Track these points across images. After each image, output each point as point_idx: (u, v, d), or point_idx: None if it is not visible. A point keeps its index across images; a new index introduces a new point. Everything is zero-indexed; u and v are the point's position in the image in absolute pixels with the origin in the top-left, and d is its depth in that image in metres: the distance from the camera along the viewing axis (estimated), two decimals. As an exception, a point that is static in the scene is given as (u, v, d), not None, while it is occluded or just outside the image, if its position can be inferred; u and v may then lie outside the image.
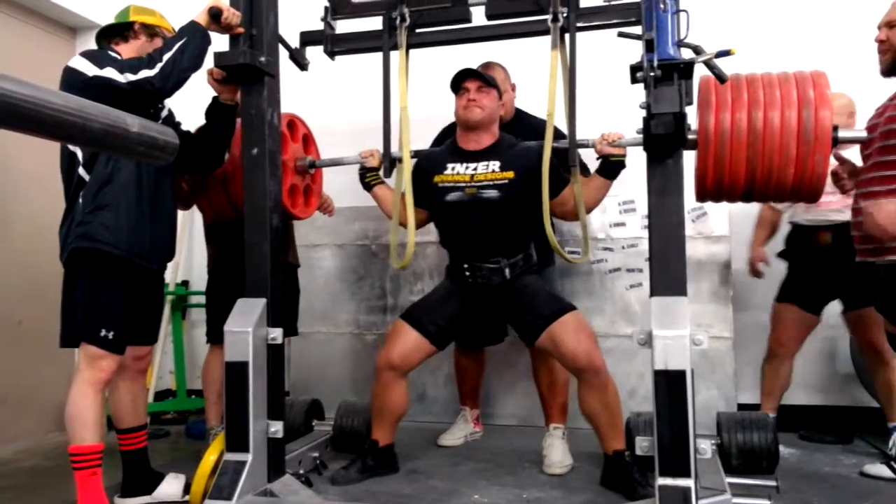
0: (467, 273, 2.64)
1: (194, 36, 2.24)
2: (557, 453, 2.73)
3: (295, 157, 2.75)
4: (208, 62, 2.34)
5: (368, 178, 2.75)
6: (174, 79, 2.21)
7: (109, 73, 2.18)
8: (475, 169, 2.61)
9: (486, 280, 2.62)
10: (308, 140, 2.91)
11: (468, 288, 2.66)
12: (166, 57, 2.19)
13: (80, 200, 2.24)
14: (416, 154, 2.70)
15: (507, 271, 2.60)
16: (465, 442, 3.20)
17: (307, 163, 2.79)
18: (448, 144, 2.75)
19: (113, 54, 2.31)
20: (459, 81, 2.64)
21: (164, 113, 2.51)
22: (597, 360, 2.45)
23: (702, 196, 2.31)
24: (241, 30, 2.29)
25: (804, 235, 3.18)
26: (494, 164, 2.59)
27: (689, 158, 2.19)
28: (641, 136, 2.12)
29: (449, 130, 2.98)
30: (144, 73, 2.18)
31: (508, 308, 2.64)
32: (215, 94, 2.50)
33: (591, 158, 2.61)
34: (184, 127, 2.59)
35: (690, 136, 2.14)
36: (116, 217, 2.24)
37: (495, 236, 2.60)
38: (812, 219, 3.13)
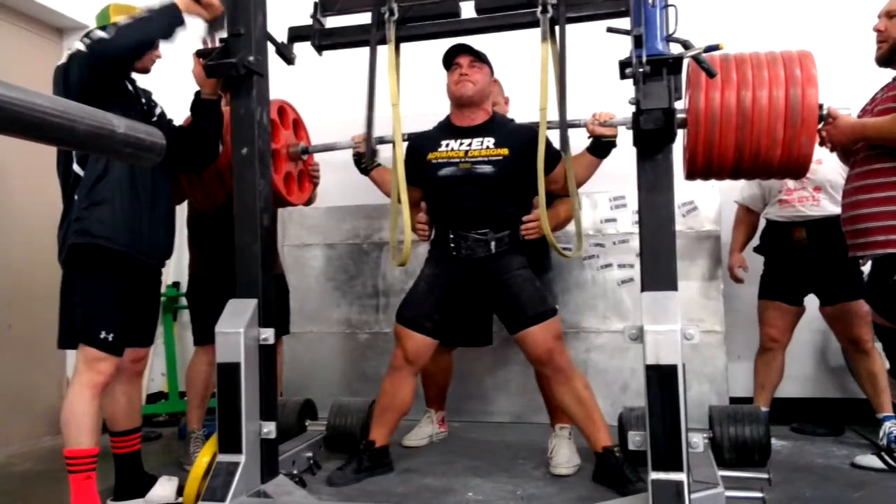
0: (452, 245, 2.62)
1: (164, 10, 2.22)
2: (564, 454, 2.72)
3: (287, 143, 2.75)
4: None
5: (364, 162, 2.76)
6: (128, 39, 2.16)
7: (76, 45, 2.20)
8: (469, 145, 2.61)
9: (471, 252, 2.59)
10: (298, 125, 2.92)
11: (451, 267, 2.63)
12: (127, 22, 2.18)
13: (76, 197, 2.23)
14: (410, 136, 2.70)
15: (492, 244, 2.58)
16: (431, 441, 3.19)
17: (300, 149, 2.80)
18: (442, 123, 2.76)
19: None
20: (451, 57, 2.64)
21: (158, 111, 2.52)
22: (557, 358, 2.51)
23: (691, 174, 2.32)
24: (220, 8, 2.29)
25: (779, 231, 3.21)
26: (489, 141, 2.60)
27: (677, 148, 2.19)
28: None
29: None
30: (99, 35, 2.17)
31: (495, 296, 2.62)
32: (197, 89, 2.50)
33: (581, 138, 2.59)
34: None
35: (680, 115, 2.16)
36: (113, 212, 2.22)
37: (486, 209, 2.59)
38: (786, 215, 3.17)
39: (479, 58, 2.63)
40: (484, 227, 2.59)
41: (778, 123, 2.10)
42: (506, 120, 2.73)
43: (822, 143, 2.53)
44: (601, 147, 2.49)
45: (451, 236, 2.62)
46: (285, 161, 2.73)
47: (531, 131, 2.48)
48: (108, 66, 2.21)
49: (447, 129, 2.70)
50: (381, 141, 2.69)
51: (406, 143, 2.68)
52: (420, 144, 2.70)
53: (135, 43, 2.19)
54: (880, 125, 2.39)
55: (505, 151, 2.56)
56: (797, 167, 2.20)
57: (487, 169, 2.56)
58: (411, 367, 2.62)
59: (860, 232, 2.45)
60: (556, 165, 2.56)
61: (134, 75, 2.44)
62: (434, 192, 2.69)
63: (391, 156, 2.61)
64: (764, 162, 2.17)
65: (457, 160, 2.60)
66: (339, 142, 2.77)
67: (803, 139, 2.12)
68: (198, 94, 2.50)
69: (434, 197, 2.70)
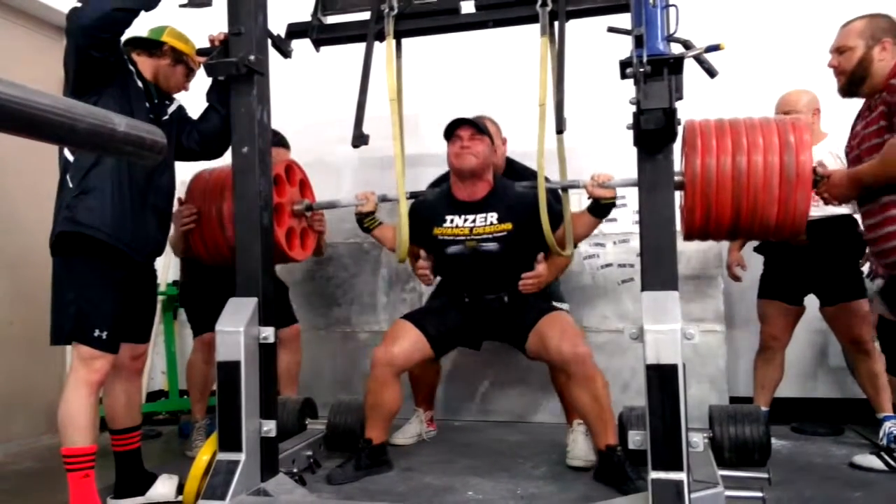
0: (467, 300, 2.75)
1: None
2: (581, 448, 2.75)
3: (292, 200, 2.78)
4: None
5: (366, 223, 2.81)
6: (100, 6, 2.09)
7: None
8: (473, 221, 2.67)
9: (486, 307, 2.74)
10: (304, 185, 2.94)
11: (466, 308, 2.76)
12: None
13: (71, 185, 2.23)
14: (413, 196, 2.74)
15: (505, 298, 2.71)
16: (420, 440, 3.19)
17: (304, 206, 2.82)
18: (444, 191, 2.79)
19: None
20: (452, 129, 2.66)
21: (172, 108, 2.52)
22: (581, 350, 2.50)
23: (689, 235, 2.36)
24: None
25: None
26: (492, 216, 2.65)
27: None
28: (631, 179, 2.16)
29: (443, 178, 3.00)
30: (75, 4, 2.13)
31: (502, 323, 2.75)
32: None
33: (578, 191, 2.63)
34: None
35: (677, 178, 2.18)
36: (102, 201, 2.21)
37: (495, 280, 2.71)
38: None
39: (480, 130, 2.64)
40: (496, 292, 2.71)
41: (773, 187, 2.13)
42: (506, 186, 2.75)
43: (827, 203, 2.56)
44: (601, 208, 2.54)
45: (466, 297, 2.74)
46: (289, 217, 2.75)
47: (532, 200, 2.49)
48: (84, 36, 2.13)
49: (450, 201, 2.73)
50: (385, 199, 2.76)
51: (409, 203, 2.66)
52: (424, 214, 2.74)
53: (112, 18, 2.11)
54: (874, 172, 2.30)
55: (508, 226, 2.63)
56: (792, 229, 2.22)
57: (493, 246, 2.63)
58: (391, 368, 2.62)
59: (889, 251, 2.37)
60: (558, 227, 2.58)
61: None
62: (444, 266, 2.79)
63: (392, 210, 2.73)
64: (760, 225, 2.20)
65: (462, 238, 2.66)
66: (342, 199, 2.83)
67: (798, 201, 2.14)
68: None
69: (444, 269, 2.81)
